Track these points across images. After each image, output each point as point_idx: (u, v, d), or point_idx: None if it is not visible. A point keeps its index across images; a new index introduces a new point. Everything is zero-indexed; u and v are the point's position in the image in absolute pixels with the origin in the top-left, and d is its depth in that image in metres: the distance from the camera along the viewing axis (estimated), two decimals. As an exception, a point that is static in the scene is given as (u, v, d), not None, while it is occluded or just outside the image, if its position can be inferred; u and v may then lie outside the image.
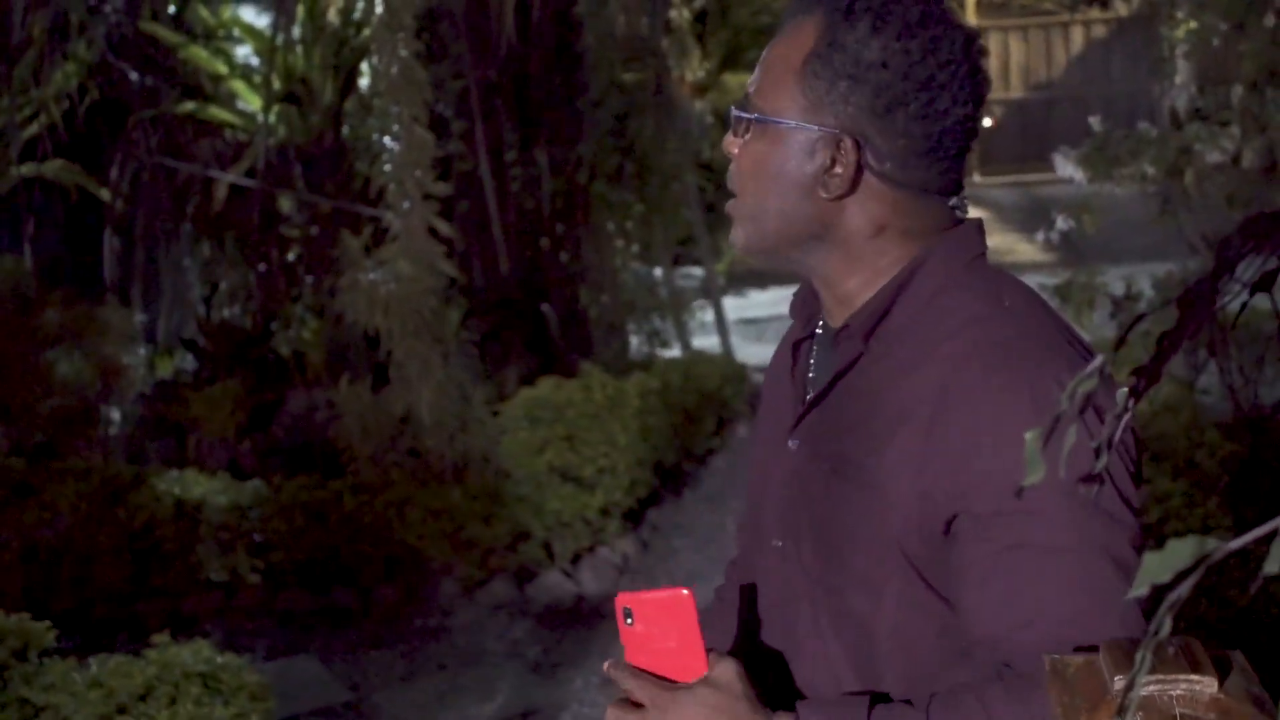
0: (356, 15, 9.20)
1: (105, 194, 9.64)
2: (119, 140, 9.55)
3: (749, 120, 1.60)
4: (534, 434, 6.47)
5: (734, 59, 15.07)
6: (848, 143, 1.53)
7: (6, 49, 9.25)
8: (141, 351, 8.73)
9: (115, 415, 8.08)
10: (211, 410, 7.61)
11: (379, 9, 6.87)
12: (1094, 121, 6.70)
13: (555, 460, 6.40)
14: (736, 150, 1.62)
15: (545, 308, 8.50)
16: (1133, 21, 16.97)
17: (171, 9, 9.74)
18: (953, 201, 1.60)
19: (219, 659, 3.77)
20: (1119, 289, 6.87)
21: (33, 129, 9.46)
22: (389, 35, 6.57)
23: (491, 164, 8.29)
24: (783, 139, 1.57)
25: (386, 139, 6.60)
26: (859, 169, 1.54)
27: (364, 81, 9.15)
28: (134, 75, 9.42)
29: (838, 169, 1.54)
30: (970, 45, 1.56)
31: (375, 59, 6.86)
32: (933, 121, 1.53)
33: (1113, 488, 1.42)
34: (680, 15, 13.07)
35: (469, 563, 6.27)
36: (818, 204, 1.56)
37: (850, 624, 1.57)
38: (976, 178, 18.47)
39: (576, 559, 6.46)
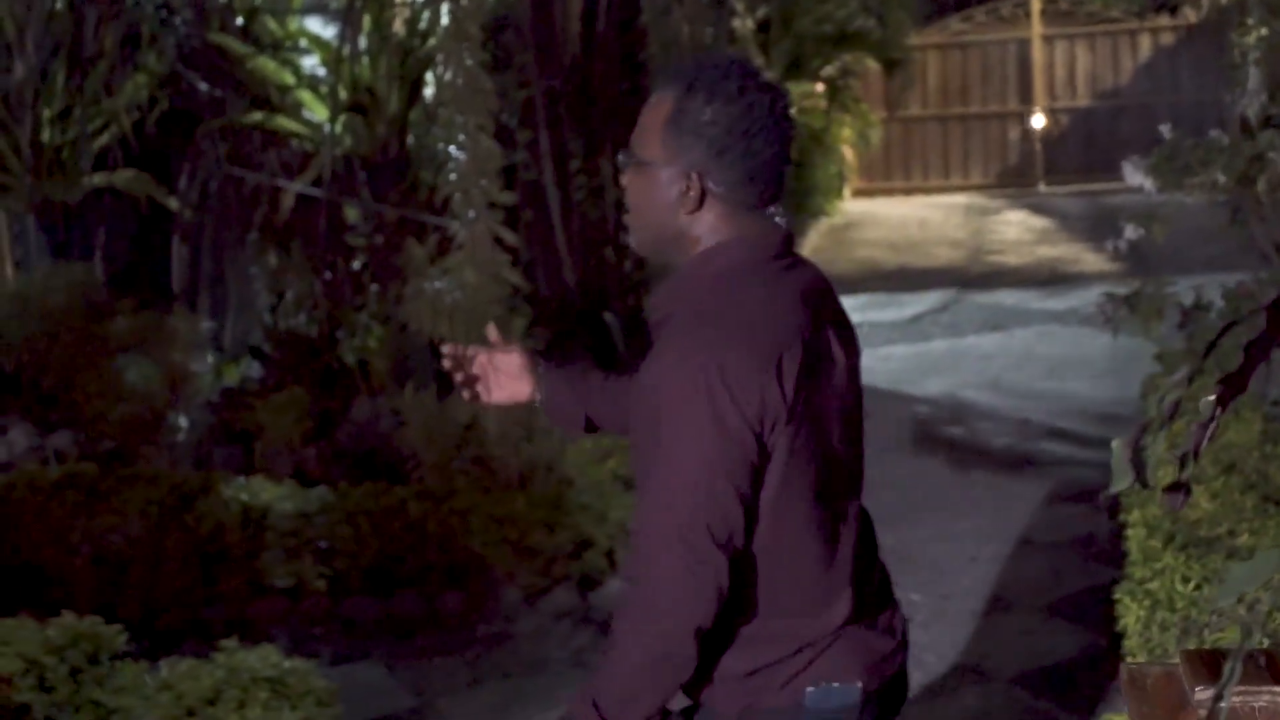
0: (422, 25, 9.27)
1: (174, 203, 9.76)
2: (188, 150, 9.67)
3: (632, 163, 2.33)
4: (598, 442, 6.46)
5: (797, 67, 15.04)
6: (694, 176, 2.25)
7: (79, 61, 9.40)
8: (209, 359, 8.81)
9: (183, 422, 8.16)
10: (277, 417, 7.67)
11: (445, 19, 6.92)
12: (1164, 129, 6.62)
13: (619, 468, 6.40)
14: (628, 183, 2.36)
15: (608, 316, 8.51)
16: (1202, 28, 16.77)
17: (239, 21, 9.85)
18: (770, 210, 2.32)
19: (286, 664, 3.80)
20: (1188, 299, 6.78)
21: (104, 139, 9.60)
22: (455, 45, 6.61)
23: (556, 173, 8.32)
24: (654, 175, 2.29)
25: (452, 148, 6.64)
26: (703, 193, 2.26)
27: (429, 91, 9.21)
28: (203, 86, 9.54)
29: (690, 193, 2.26)
30: (777, 103, 2.26)
31: (441, 69, 6.90)
32: (751, 158, 2.24)
33: (716, 435, 2.14)
34: (743, 24, 13.07)
35: (532, 571, 6.28)
36: (678, 217, 2.29)
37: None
38: (1041, 187, 18.31)
39: (640, 568, 6.46)
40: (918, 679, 5.27)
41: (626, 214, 2.39)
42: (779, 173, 2.29)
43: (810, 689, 2.32)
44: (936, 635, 5.66)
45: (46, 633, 3.82)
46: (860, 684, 2.35)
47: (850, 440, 2.40)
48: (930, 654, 5.49)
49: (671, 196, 2.27)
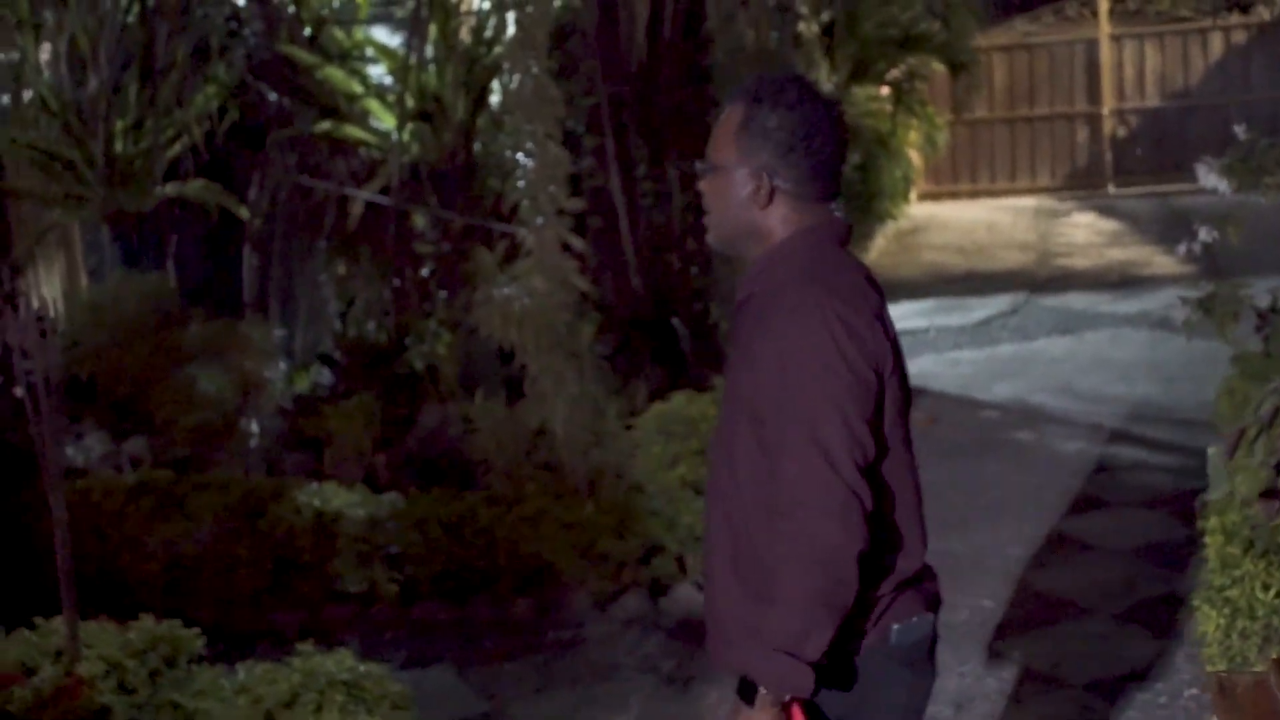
0: (488, 33, 9.31)
1: (244, 213, 9.85)
2: (257, 160, 9.76)
3: (709, 168, 2.65)
4: (667, 448, 6.45)
5: (862, 71, 14.97)
6: (764, 175, 2.57)
7: (151, 73, 9.51)
8: (281, 366, 8.89)
9: (254, 429, 8.23)
10: (347, 424, 7.73)
11: (511, 28, 6.94)
12: (1239, 130, 6.51)
13: (688, 474, 6.37)
14: (705, 187, 2.67)
15: (675, 322, 8.51)
16: (1275, 27, 16.54)
17: (307, 31, 9.93)
18: (832, 205, 2.64)
19: (361, 668, 3.82)
20: (1264, 301, 6.67)
21: (175, 150, 9.70)
22: (521, 53, 6.63)
23: (622, 179, 8.33)
24: (729, 177, 2.61)
25: (520, 155, 6.66)
26: (772, 189, 2.58)
27: (494, 99, 9.25)
28: (272, 96, 9.62)
29: (761, 191, 2.58)
30: (832, 110, 2.60)
31: (506, 76, 6.93)
32: (813, 157, 2.56)
33: (847, 374, 2.42)
34: (808, 28, 13.03)
35: (602, 576, 6.29)
36: (751, 213, 2.61)
37: (725, 478, 2.62)
38: (1111, 189, 18.13)
39: (709, 573, 6.44)
40: (992, 685, 5.24)
41: (705, 215, 2.69)
42: (837, 170, 2.62)
43: (896, 626, 2.58)
44: (1008, 640, 5.61)
45: (127, 636, 3.87)
46: (932, 616, 2.67)
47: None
48: (1002, 659, 5.45)
49: (745, 194, 2.60)
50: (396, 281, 9.19)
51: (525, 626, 6.22)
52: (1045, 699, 5.15)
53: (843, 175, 2.66)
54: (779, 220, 2.60)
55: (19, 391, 8.66)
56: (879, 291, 2.65)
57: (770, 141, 2.55)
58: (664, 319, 8.55)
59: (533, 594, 6.35)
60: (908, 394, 2.65)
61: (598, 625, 6.19)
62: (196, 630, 4.02)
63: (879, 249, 15.19)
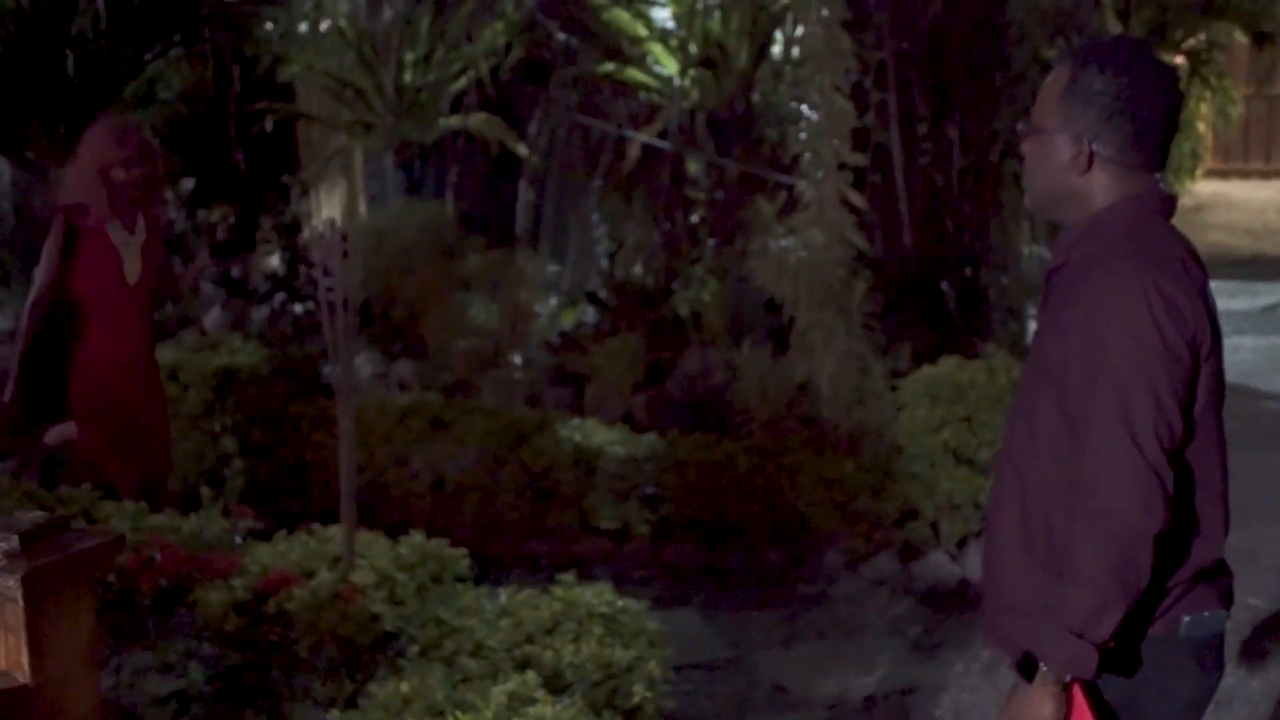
0: (775, -18, 9.23)
1: (522, 149, 10.03)
2: (539, 98, 9.91)
3: (1031, 130, 2.59)
4: (932, 412, 6.32)
5: (1157, 37, 14.34)
6: (1084, 140, 2.49)
7: (443, 6, 9.75)
8: (551, 301, 9.04)
9: (519, 360, 8.40)
10: (609, 363, 7.82)
11: (801, -24, 6.86)
12: None
13: (952, 440, 6.24)
14: (1026, 149, 2.60)
15: (945, 285, 8.33)
16: None
17: (595, -29, 10.02)
18: (1157, 175, 2.54)
19: (619, 603, 3.85)
20: None
21: (461, 83, 9.94)
22: (813, 3, 6.54)
23: (902, 137, 8.16)
24: (1050, 140, 2.54)
25: (804, 107, 6.59)
26: (1092, 155, 2.50)
27: (776, 49, 9.18)
28: (559, 35, 9.75)
29: (1080, 156, 2.50)
30: (1164, 75, 2.49)
31: (793, 26, 6.85)
32: (1137, 124, 2.47)
33: (1163, 352, 2.34)
34: (1106, -10, 12.53)
35: (855, 534, 6.23)
36: (1070, 178, 2.54)
37: (1023, 446, 2.57)
38: None
39: (963, 543, 6.32)
40: (1255, 688, 5.02)
41: (1025, 177, 2.65)
42: (1164, 139, 2.51)
43: (1187, 617, 2.49)
44: (1277, 642, 5.36)
45: (398, 550, 3.98)
46: (1224, 612, 2.56)
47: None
48: (1269, 661, 5.21)
49: (1064, 159, 2.52)
50: (667, 225, 9.23)
51: (774, 577, 6.21)
52: (1317, 707, 4.91)
53: (1170, 144, 2.55)
54: (1099, 188, 2.52)
55: (299, 308, 9.00)
56: (1202, 268, 2.54)
57: (1093, 106, 2.47)
58: (934, 281, 8.38)
59: (784, 546, 6.33)
60: (1223, 378, 2.53)
61: (847, 583, 6.14)
62: (463, 551, 4.11)
63: (1160, 225, 14.58)
